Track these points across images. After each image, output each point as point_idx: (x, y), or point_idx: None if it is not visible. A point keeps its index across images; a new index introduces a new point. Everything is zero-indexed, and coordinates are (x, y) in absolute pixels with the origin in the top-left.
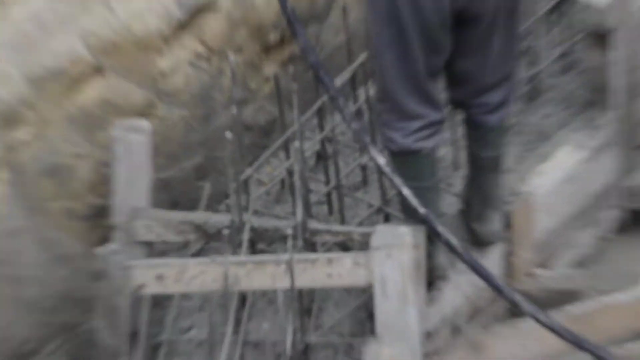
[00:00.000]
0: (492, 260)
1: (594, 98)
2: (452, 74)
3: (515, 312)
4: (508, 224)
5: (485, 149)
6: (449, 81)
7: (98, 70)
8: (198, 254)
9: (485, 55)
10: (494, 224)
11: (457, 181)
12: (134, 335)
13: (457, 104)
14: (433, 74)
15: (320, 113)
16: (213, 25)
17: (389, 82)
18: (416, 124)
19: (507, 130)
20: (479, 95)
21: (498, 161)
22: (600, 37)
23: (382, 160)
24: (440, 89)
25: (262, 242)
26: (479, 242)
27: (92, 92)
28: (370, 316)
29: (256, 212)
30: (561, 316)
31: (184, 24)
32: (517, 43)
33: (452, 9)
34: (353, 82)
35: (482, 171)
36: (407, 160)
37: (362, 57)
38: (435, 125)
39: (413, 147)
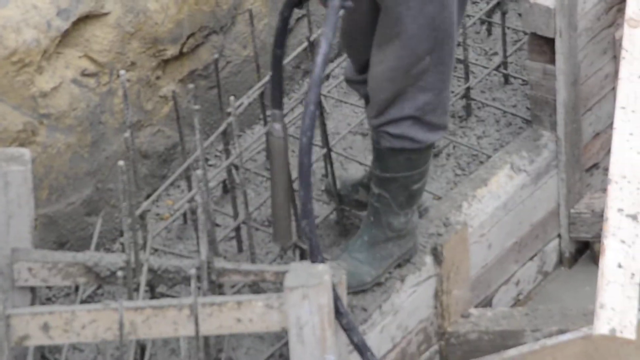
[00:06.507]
0: (421, 299)
1: (535, 115)
2: None
3: None
4: (439, 259)
5: None
6: None
7: None
8: (89, 299)
9: None
10: None
11: None
12: None
13: None
14: None
15: (226, 136)
16: (101, 37)
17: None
18: None
19: None
20: None
21: None
22: (544, 44)
23: None
24: None
25: (162, 285)
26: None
27: None
28: None
29: (155, 251)
30: None
31: (67, 36)
32: None
33: None
34: (262, 100)
35: None
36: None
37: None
38: None
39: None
